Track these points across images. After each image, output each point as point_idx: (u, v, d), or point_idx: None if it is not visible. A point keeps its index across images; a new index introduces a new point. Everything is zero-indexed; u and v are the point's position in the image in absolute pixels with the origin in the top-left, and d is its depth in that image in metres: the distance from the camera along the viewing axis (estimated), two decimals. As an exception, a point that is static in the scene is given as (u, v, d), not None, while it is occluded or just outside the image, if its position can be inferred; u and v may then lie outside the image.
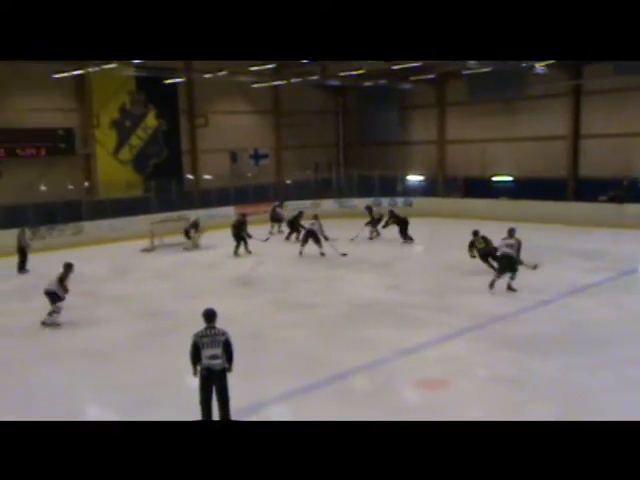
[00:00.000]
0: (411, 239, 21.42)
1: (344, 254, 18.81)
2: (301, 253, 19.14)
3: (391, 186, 29.98)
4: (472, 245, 15.88)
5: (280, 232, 23.61)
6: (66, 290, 12.65)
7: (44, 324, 12.48)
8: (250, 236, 20.18)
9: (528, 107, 27.20)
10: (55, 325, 12.51)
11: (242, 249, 19.93)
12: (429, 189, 30.03)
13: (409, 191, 30.37)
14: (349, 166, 32.44)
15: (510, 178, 28.21)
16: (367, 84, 28.81)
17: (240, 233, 20.01)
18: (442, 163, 30.69)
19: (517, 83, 25.01)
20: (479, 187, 28.10)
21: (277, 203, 25.44)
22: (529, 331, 11.43)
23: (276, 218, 24.38)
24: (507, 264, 13.97)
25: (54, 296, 12.49)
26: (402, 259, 19.05)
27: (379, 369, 9.91)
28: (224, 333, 7.70)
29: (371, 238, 22.26)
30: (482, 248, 15.64)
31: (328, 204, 28.84)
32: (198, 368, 7.66)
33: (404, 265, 18.22)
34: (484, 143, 28.89)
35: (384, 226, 22.33)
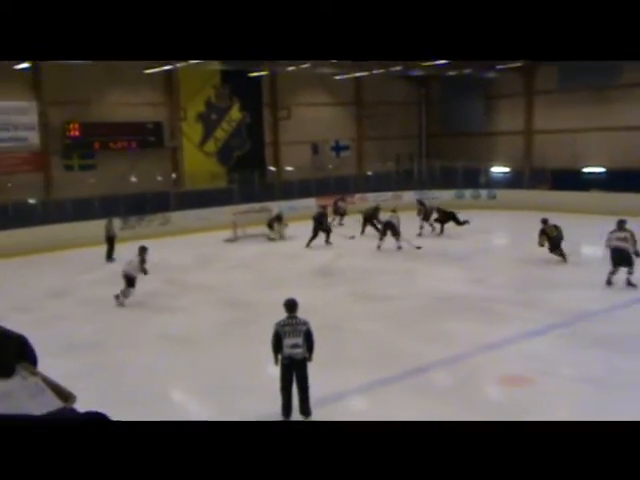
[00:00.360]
0: (466, 222, 21.13)
1: (418, 247, 18.64)
2: (379, 247, 19.01)
3: (474, 178, 29.32)
4: (544, 233, 15.62)
5: (341, 225, 23.49)
6: (146, 272, 13.73)
7: (117, 298, 13.54)
8: (330, 229, 20.30)
9: (622, 96, 25.86)
10: (121, 305, 13.47)
11: (317, 241, 20.00)
12: (514, 181, 29.13)
13: (493, 183, 29.61)
14: (431, 157, 31.97)
15: (602, 169, 26.96)
16: (451, 73, 28.26)
17: (321, 225, 20.14)
18: (529, 154, 29.71)
19: (610, 71, 23.85)
20: (568, 179, 26.98)
21: (339, 196, 25.33)
22: (620, 330, 10.90)
23: (338, 211, 24.27)
24: (622, 258, 13.27)
25: (131, 279, 13.56)
26: (484, 252, 18.63)
27: (460, 364, 9.73)
28: (305, 323, 7.82)
29: (420, 234, 21.15)
30: (555, 236, 15.33)
31: (409, 196, 28.51)
32: (279, 357, 7.80)
33: (486, 258, 17.80)
34: (575, 133, 27.70)
35: (435, 220, 21.83)
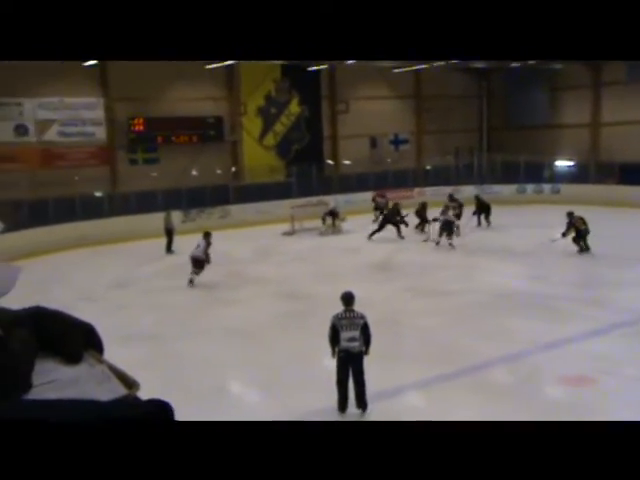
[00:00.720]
0: (489, 223, 21.27)
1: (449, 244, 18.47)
2: (438, 243, 18.74)
3: (537, 172, 28.54)
4: (572, 225, 15.66)
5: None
6: (209, 259, 14.77)
7: (190, 282, 14.68)
8: (405, 222, 20.19)
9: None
10: (192, 284, 14.67)
11: (377, 235, 19.93)
12: (579, 175, 28.23)
13: (557, 177, 28.78)
14: (492, 151, 31.33)
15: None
16: (514, 65, 27.59)
17: (392, 219, 20.09)
18: (595, 147, 28.73)
19: (685, 59, 22.78)
20: (637, 173, 25.96)
21: (378, 192, 24.86)
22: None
23: (377, 207, 23.87)
24: None
25: (198, 262, 14.64)
26: (547, 248, 18.14)
27: (520, 362, 9.54)
28: (362, 317, 7.81)
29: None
30: (583, 229, 15.66)
31: (469, 190, 28.00)
32: (336, 350, 7.81)
33: (549, 255, 17.33)
34: (645, 125, 26.62)
35: (473, 213, 21.77)
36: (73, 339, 1.22)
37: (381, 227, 20.12)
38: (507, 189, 27.80)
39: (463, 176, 29.54)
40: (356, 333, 7.68)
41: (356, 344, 7.69)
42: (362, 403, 7.83)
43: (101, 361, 1.21)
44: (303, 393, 8.42)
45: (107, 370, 1.17)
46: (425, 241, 19.14)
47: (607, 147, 28.02)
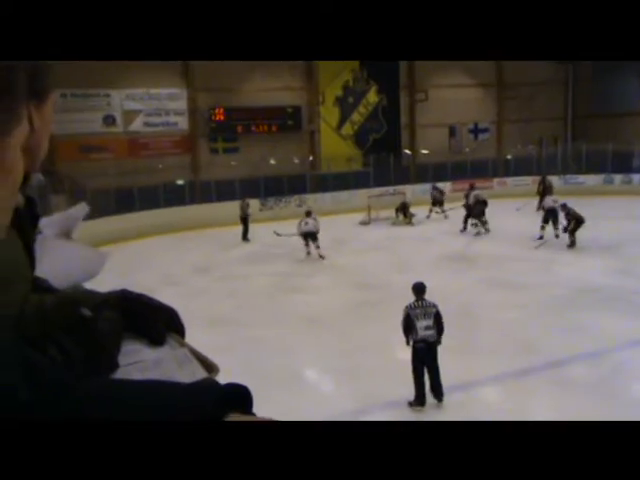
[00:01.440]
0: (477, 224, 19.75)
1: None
2: (541, 237, 18.01)
3: (626, 162, 27.23)
4: (573, 218, 16.32)
5: (437, 213, 22.58)
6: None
7: (322, 257, 16.50)
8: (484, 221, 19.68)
9: None
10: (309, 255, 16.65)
11: (451, 227, 19.62)
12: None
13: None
14: (578, 140, 30.12)
15: None
16: (602, 50, 26.35)
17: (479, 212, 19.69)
18: (690, 136, 27.11)
19: None
20: None
21: (434, 184, 23.99)
22: None
23: (435, 200, 22.95)
24: None
25: (314, 235, 16.42)
26: (635, 242, 17.32)
27: (602, 359, 9.19)
28: (434, 305, 7.87)
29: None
30: (580, 219, 16.07)
31: (552, 181, 27.09)
32: (411, 340, 7.81)
33: (635, 248, 16.54)
34: None
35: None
36: (157, 322, 1.27)
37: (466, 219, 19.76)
38: (593, 179, 26.70)
39: (546, 166, 28.56)
40: (430, 322, 7.74)
41: (431, 332, 7.73)
42: (439, 393, 7.78)
43: (183, 344, 1.26)
44: (377, 383, 8.43)
45: (188, 353, 1.22)
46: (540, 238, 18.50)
47: None
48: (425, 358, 7.75)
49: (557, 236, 17.55)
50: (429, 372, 7.78)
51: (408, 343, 7.89)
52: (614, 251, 16.07)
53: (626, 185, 26.47)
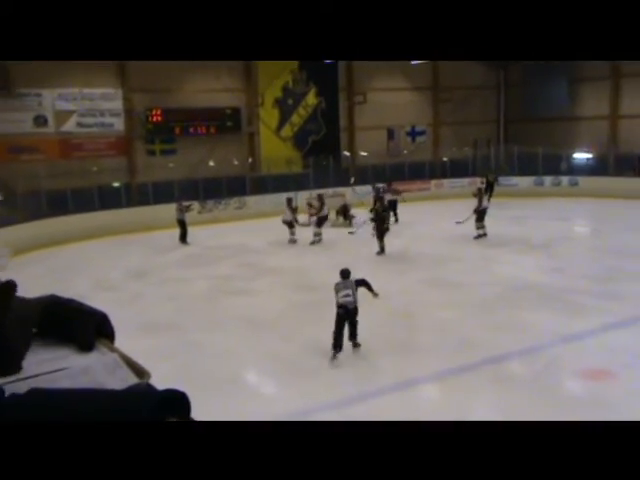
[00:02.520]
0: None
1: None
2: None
3: (555, 164, 28.27)
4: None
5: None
6: (297, 220, 18.19)
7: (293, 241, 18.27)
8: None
9: None
10: (293, 242, 18.15)
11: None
12: (598, 168, 27.90)
13: (575, 169, 28.48)
14: (510, 143, 31.05)
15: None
16: (533, 56, 27.24)
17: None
18: (614, 139, 28.34)
19: None
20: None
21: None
22: None
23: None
24: None
25: (290, 224, 17.72)
26: (565, 241, 17.98)
27: (537, 355, 9.48)
28: (354, 281, 9.64)
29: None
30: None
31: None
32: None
33: (567, 247, 17.17)
34: (665, 117, 26.25)
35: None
36: (85, 327, 1.22)
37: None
38: (524, 181, 27.56)
39: (480, 168, 29.36)
40: (349, 292, 9.41)
41: (350, 299, 9.31)
42: (355, 339, 9.43)
43: (113, 350, 1.21)
44: (319, 383, 8.44)
45: (119, 359, 1.17)
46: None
47: (626, 139, 27.64)
48: (345, 318, 9.32)
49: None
50: (349, 326, 9.36)
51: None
52: (545, 250, 16.63)
53: (555, 187, 27.44)
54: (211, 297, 13.39)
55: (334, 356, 9.24)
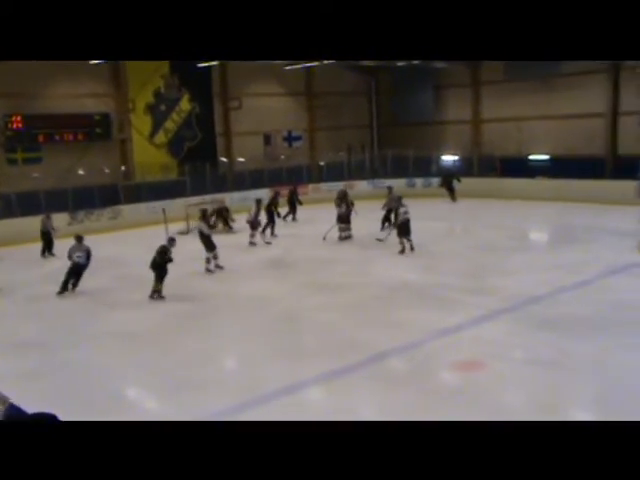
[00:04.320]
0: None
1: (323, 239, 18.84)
2: (325, 238, 18.97)
3: (425, 166, 29.67)
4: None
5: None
6: (214, 226, 18.09)
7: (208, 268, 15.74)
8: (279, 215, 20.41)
9: (566, 84, 26.51)
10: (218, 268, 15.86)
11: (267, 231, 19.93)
12: (464, 169, 29.61)
13: (444, 171, 30.02)
14: (383, 147, 32.20)
15: (547, 157, 27.65)
16: (400, 64, 28.45)
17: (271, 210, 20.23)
18: (477, 142, 30.22)
19: (553, 61, 24.41)
20: (516, 166, 27.57)
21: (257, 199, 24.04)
22: (567, 312, 11.26)
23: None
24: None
25: (206, 237, 16.02)
26: (435, 240, 18.88)
27: (415, 351, 9.87)
28: (87, 247, 13.76)
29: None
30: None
31: (362, 185, 28.73)
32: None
33: (437, 246, 18.05)
34: (520, 121, 28.32)
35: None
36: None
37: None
38: (397, 183, 28.62)
39: (356, 171, 30.21)
40: (81, 253, 13.57)
41: (82, 258, 13.57)
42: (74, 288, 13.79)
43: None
44: (201, 395, 8.29)
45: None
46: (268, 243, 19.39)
47: (488, 142, 29.57)
48: (73, 274, 13.75)
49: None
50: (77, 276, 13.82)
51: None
52: (418, 249, 17.34)
53: (426, 188, 28.76)
54: (84, 313, 12.74)
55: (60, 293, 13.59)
